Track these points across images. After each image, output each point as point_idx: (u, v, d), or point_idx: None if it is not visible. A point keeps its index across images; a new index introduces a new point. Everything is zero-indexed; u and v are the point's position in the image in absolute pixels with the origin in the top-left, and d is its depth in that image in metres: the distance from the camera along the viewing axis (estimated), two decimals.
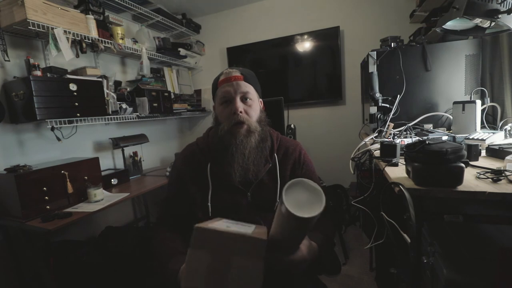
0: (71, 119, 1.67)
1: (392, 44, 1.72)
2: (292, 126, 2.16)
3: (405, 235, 0.90)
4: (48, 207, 1.43)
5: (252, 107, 0.88)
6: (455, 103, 1.40)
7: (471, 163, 0.92)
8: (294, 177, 0.93)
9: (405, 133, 1.42)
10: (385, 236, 1.21)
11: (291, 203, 0.53)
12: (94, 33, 1.85)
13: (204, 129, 1.03)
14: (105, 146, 2.21)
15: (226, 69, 0.91)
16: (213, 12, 3.02)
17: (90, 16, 1.84)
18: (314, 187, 0.58)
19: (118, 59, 2.38)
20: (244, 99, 0.86)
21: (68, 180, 1.52)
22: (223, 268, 0.48)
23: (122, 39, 2.10)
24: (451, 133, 1.36)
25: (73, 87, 1.64)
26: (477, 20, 1.14)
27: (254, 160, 0.86)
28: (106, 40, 1.94)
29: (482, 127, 1.41)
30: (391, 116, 1.58)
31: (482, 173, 0.81)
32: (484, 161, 0.97)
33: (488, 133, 1.25)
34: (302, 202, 0.55)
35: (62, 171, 1.51)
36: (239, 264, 0.47)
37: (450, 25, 1.19)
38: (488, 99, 1.44)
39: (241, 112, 0.84)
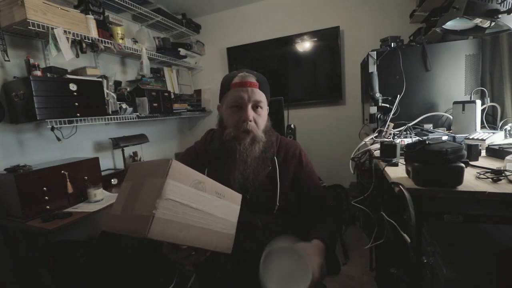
0: (71, 119, 1.67)
1: (392, 44, 1.72)
2: (292, 126, 2.15)
3: (405, 235, 0.90)
4: (48, 207, 1.43)
5: (261, 116, 0.86)
6: (455, 103, 1.40)
7: (471, 163, 0.92)
8: (297, 180, 0.92)
9: (405, 133, 1.42)
10: (385, 236, 1.21)
11: (272, 276, 0.56)
12: (94, 33, 1.85)
13: (204, 129, 1.03)
14: (105, 146, 2.21)
15: (241, 70, 0.87)
16: (213, 12, 3.02)
17: (90, 16, 1.84)
18: (299, 254, 0.59)
19: (118, 59, 2.38)
20: (255, 107, 0.84)
21: (68, 180, 1.53)
22: (138, 190, 0.54)
23: (122, 39, 2.09)
24: (451, 133, 1.36)
25: (73, 87, 1.64)
26: (477, 20, 1.14)
27: (254, 169, 0.85)
28: (106, 40, 1.94)
29: (482, 127, 1.41)
30: (391, 116, 1.58)
31: (482, 173, 0.81)
32: (484, 161, 0.97)
33: (488, 133, 1.25)
34: (284, 273, 0.57)
35: (62, 171, 1.51)
36: (149, 183, 0.53)
37: (450, 25, 1.19)
38: (488, 99, 1.44)
39: (250, 121, 0.82)
